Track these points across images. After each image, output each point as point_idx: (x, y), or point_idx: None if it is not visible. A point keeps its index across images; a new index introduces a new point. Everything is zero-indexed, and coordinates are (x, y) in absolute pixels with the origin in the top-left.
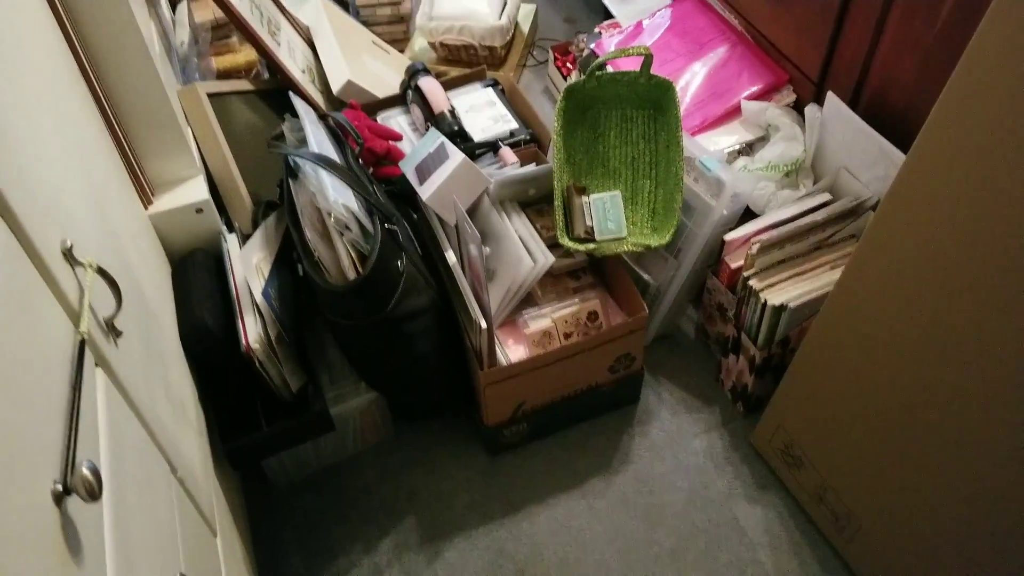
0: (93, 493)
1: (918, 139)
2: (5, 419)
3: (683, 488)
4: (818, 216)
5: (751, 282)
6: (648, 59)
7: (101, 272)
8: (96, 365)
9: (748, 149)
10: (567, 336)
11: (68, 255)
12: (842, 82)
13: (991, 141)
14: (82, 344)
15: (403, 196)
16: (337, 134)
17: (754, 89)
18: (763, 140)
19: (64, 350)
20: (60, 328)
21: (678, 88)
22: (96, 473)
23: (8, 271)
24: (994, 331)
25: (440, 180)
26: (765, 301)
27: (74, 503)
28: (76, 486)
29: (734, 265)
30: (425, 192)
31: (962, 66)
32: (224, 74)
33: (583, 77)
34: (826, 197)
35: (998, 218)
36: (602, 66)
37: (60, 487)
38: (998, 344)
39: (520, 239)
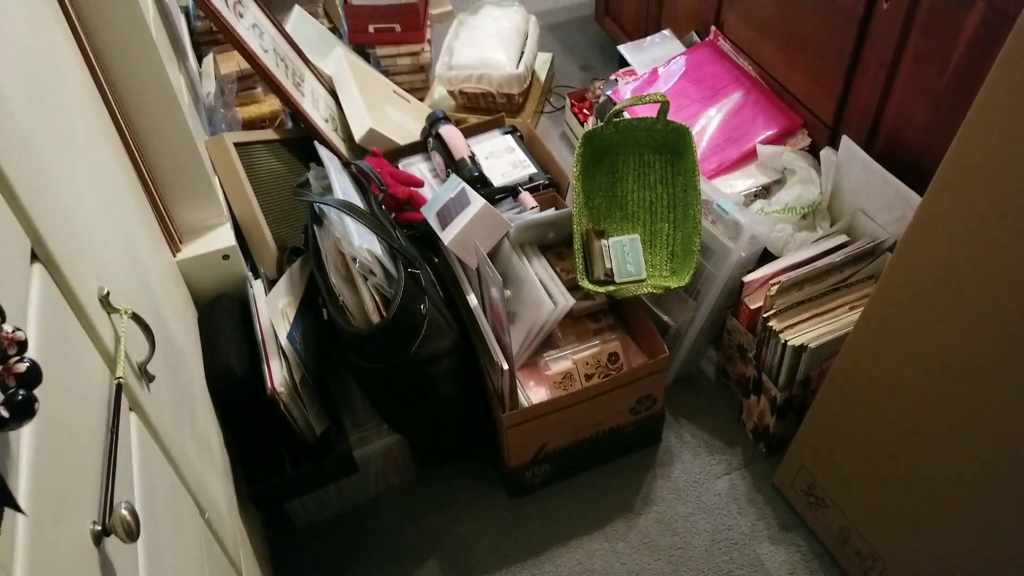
0: (131, 534)
1: (933, 182)
2: (49, 463)
3: (706, 530)
4: (836, 257)
5: (771, 323)
6: (665, 105)
7: (135, 318)
8: (130, 409)
9: (765, 192)
10: (588, 378)
11: (105, 302)
12: (856, 126)
13: (1005, 183)
14: (119, 388)
15: (425, 241)
16: (360, 181)
17: (769, 133)
18: (779, 183)
19: (102, 394)
20: (98, 373)
21: (694, 133)
22: (134, 514)
23: (51, 319)
24: (1016, 370)
25: (461, 224)
26: (785, 342)
27: (112, 544)
28: (115, 527)
29: (753, 306)
30: (447, 236)
31: (975, 110)
32: (249, 124)
33: (601, 124)
34: (843, 239)
35: (1015, 258)
36: (619, 113)
37: (99, 528)
38: (1020, 383)
39: (540, 282)
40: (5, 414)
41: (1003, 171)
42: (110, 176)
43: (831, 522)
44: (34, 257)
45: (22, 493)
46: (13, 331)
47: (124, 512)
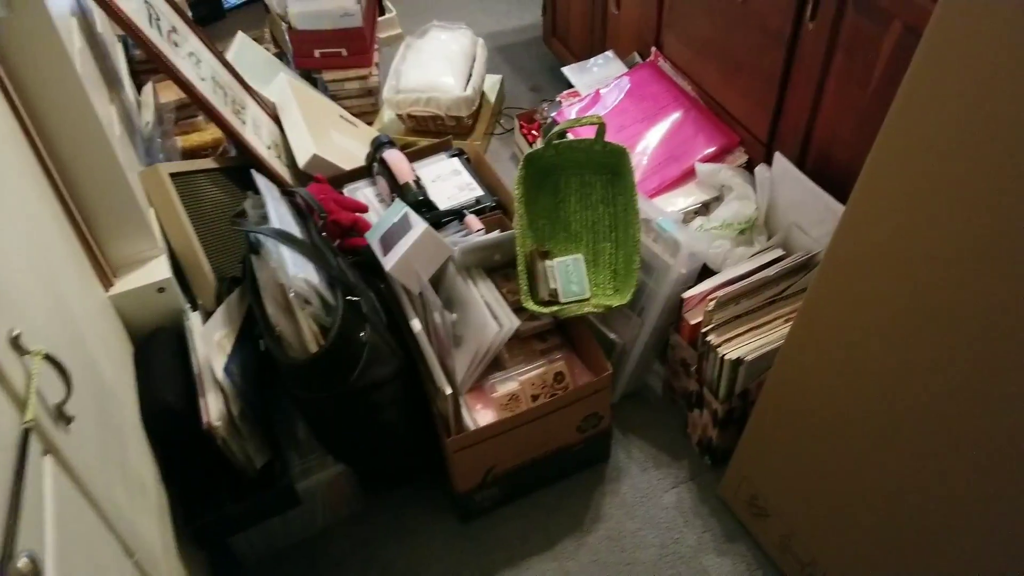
0: None
1: (852, 195)
2: None
3: (654, 544)
4: (771, 271)
5: (709, 337)
6: (602, 127)
7: (49, 359)
8: (45, 452)
9: (704, 209)
10: (535, 398)
11: (15, 344)
12: (789, 142)
13: (918, 192)
14: (26, 433)
15: (370, 266)
16: (301, 209)
17: (708, 151)
18: (718, 200)
19: (8, 439)
20: (5, 417)
21: (636, 152)
22: (35, 561)
23: None
24: (942, 375)
25: (403, 250)
26: (723, 356)
27: None
28: None
29: (693, 321)
30: (388, 262)
31: (888, 122)
32: (191, 152)
33: (542, 146)
34: (779, 253)
35: (934, 266)
36: (560, 134)
37: None
38: (947, 389)
39: (486, 304)
40: None
41: (915, 181)
42: (29, 215)
43: (773, 531)
44: None
45: None
46: None
47: (25, 560)
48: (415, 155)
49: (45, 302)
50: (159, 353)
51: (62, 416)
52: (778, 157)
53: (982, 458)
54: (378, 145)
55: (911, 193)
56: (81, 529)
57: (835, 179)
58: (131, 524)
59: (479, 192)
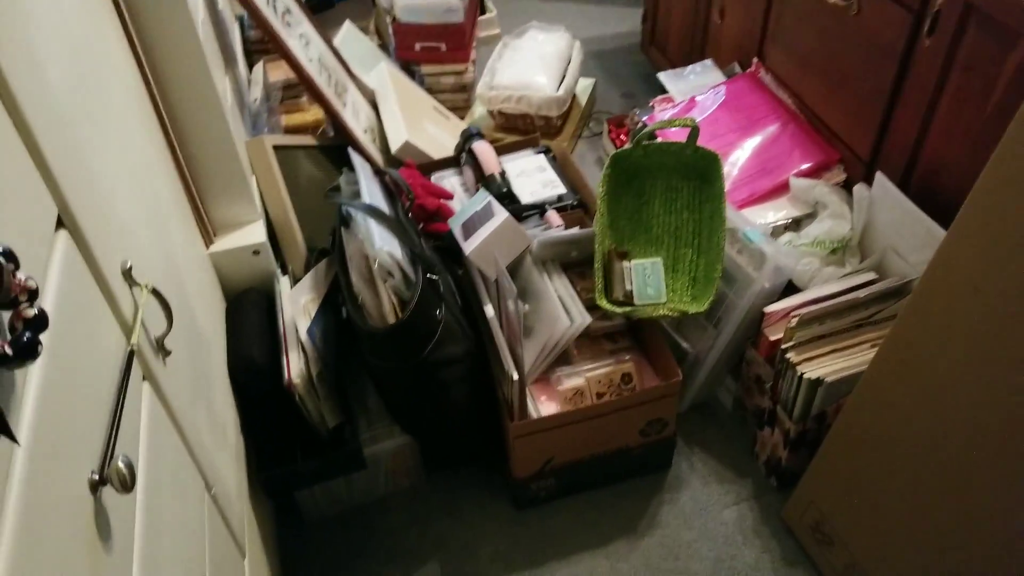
0: (126, 484)
1: (955, 222)
2: (55, 413)
3: (709, 557)
4: (861, 293)
5: (789, 355)
6: (694, 131)
7: (155, 293)
8: (144, 379)
9: (795, 225)
10: (599, 396)
11: (127, 275)
12: (893, 163)
13: None
14: (131, 355)
15: (450, 252)
16: (391, 190)
17: (804, 167)
18: (811, 217)
19: (115, 358)
20: (113, 338)
21: (728, 162)
22: (130, 466)
23: (70, 282)
24: None
25: (484, 236)
26: (802, 375)
27: (108, 494)
28: (111, 477)
29: (773, 338)
30: (468, 247)
31: (1003, 146)
32: (293, 130)
33: (630, 146)
34: (871, 276)
35: None
36: (651, 136)
37: (96, 476)
38: None
39: (559, 298)
40: (9, 352)
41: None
42: (148, 165)
43: (837, 560)
44: (61, 224)
45: (23, 429)
46: (26, 279)
47: (120, 464)
48: (503, 149)
49: (155, 245)
50: (249, 311)
51: (162, 348)
52: (880, 177)
53: None
54: (468, 136)
55: (1017, 226)
56: (169, 451)
57: (940, 205)
58: (211, 460)
59: (562, 190)
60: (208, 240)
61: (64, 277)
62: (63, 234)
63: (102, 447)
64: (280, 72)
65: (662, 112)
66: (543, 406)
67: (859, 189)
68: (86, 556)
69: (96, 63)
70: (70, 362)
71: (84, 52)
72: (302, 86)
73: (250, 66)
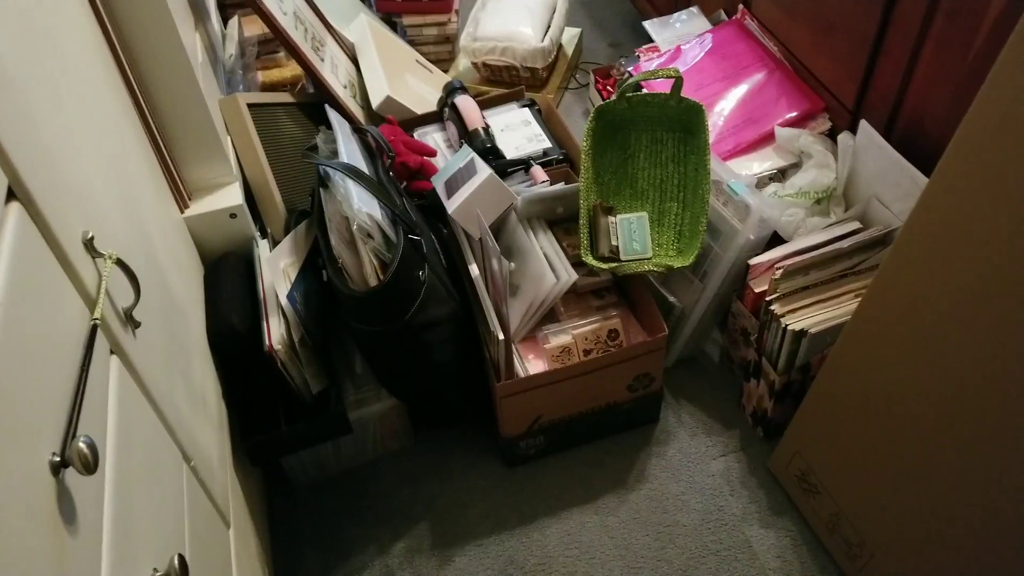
0: (88, 466)
1: (938, 167)
2: (12, 392)
3: (697, 509)
4: (845, 244)
5: (773, 307)
6: (678, 81)
7: (120, 263)
8: (112, 353)
9: (780, 175)
10: (587, 353)
11: (89, 246)
12: (877, 111)
13: (1012, 169)
14: (94, 329)
15: (435, 210)
16: (371, 147)
17: (790, 116)
18: (796, 167)
19: (77, 333)
20: (75, 312)
21: (714, 112)
22: (92, 447)
23: (25, 255)
24: (1015, 364)
25: (466, 194)
26: (786, 326)
27: (72, 475)
28: (72, 459)
29: (758, 290)
30: (451, 205)
31: (984, 92)
32: (270, 87)
33: (614, 98)
34: (855, 226)
35: (1016, 248)
36: (634, 87)
37: (57, 458)
38: (1018, 377)
39: (545, 256)
40: None
41: (1006, 156)
42: (113, 130)
43: (822, 509)
44: (12, 196)
45: None
46: None
47: (82, 445)
48: (486, 103)
49: (121, 213)
50: (227, 276)
51: (130, 320)
52: (863, 125)
53: None
54: (450, 90)
55: (1000, 169)
56: (142, 428)
57: (923, 153)
58: (190, 432)
59: (547, 144)
60: (183, 204)
61: (17, 251)
62: (15, 206)
63: (64, 426)
64: (256, 27)
65: (647, 62)
66: (530, 364)
67: (843, 138)
68: (49, 540)
69: (48, 21)
70: (25, 340)
71: (33, 8)
72: (277, 41)
73: (224, 21)
